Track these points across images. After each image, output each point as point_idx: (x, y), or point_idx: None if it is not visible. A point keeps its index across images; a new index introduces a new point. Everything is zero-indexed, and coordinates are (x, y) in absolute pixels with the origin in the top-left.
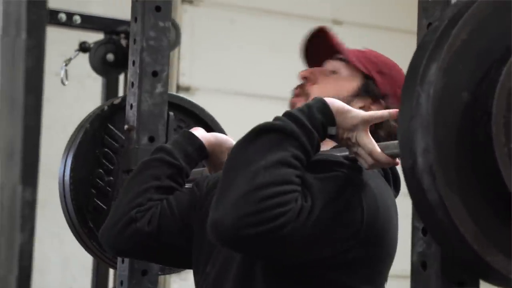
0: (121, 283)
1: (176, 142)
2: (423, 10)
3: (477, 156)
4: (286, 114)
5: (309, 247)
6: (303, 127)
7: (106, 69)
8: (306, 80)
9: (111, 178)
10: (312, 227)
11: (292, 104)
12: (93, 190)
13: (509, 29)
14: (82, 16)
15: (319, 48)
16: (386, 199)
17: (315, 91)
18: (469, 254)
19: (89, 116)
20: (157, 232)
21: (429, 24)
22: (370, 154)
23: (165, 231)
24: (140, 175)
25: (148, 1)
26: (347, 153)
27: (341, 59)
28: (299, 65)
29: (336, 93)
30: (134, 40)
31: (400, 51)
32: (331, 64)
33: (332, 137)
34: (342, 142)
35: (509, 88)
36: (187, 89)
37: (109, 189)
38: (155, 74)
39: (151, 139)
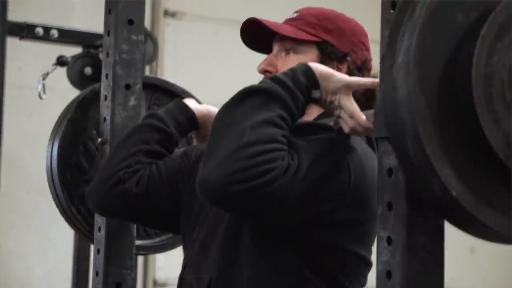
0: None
1: (168, 110)
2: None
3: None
4: (271, 78)
5: (296, 205)
6: (288, 89)
7: (84, 83)
8: (268, 72)
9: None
10: (299, 185)
11: None
12: (81, 147)
13: None
14: (60, 30)
15: (260, 36)
16: (372, 163)
17: None
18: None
19: (72, 102)
20: (145, 194)
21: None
22: (352, 116)
23: (153, 194)
24: (130, 139)
25: (121, 14)
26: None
27: (287, 38)
28: None
29: None
30: (107, 54)
31: None
32: (282, 45)
33: (315, 101)
34: (325, 105)
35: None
36: None
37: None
38: (128, 87)
39: None
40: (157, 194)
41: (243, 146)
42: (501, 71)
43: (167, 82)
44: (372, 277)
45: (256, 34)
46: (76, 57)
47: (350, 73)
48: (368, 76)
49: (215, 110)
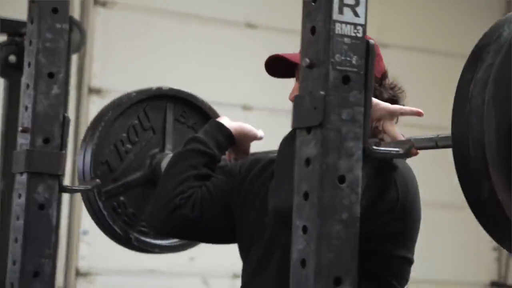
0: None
1: (207, 132)
2: (307, 14)
3: None
4: None
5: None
6: None
7: (8, 71)
8: None
9: (130, 146)
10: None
11: None
12: (112, 147)
13: None
14: None
15: (281, 67)
16: (412, 178)
17: None
18: None
19: (138, 90)
20: (201, 216)
21: (313, 27)
22: (394, 140)
23: (208, 215)
24: (179, 165)
25: (45, 2)
26: None
27: None
28: (212, 67)
29: None
30: (30, 42)
31: None
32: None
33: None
34: (371, 130)
35: None
36: (98, 92)
37: (125, 154)
38: (51, 75)
39: (46, 141)
40: (211, 214)
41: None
42: None
43: (196, 98)
44: None
45: (279, 66)
46: (0, 45)
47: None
48: (386, 84)
49: (246, 126)
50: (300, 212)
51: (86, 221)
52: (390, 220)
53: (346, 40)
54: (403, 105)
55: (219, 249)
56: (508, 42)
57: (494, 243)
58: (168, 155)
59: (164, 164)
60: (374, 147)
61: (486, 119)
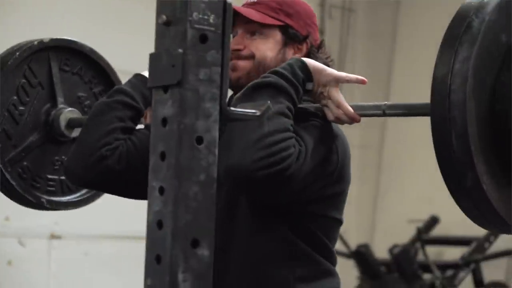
0: None
1: (134, 85)
2: None
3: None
4: (273, 72)
5: (302, 184)
6: (291, 83)
7: None
8: (237, 51)
9: (23, 108)
10: (306, 168)
11: (234, 66)
12: (5, 114)
13: None
14: None
15: None
16: (348, 145)
17: (257, 52)
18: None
19: (13, 50)
20: (126, 169)
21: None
22: (338, 106)
23: (133, 168)
24: (106, 116)
25: None
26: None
27: (249, 22)
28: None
29: (270, 50)
30: None
31: (139, 25)
32: (247, 28)
33: (308, 91)
34: (315, 95)
35: None
36: None
37: (20, 117)
38: None
39: None
40: (135, 167)
41: (263, 135)
42: None
43: (76, 42)
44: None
45: None
46: None
47: (309, 52)
48: (323, 54)
49: None
50: (157, 173)
51: None
52: (329, 182)
53: None
54: None
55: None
56: (481, 32)
57: None
58: (65, 110)
59: (63, 119)
60: (232, 109)
61: (468, 112)
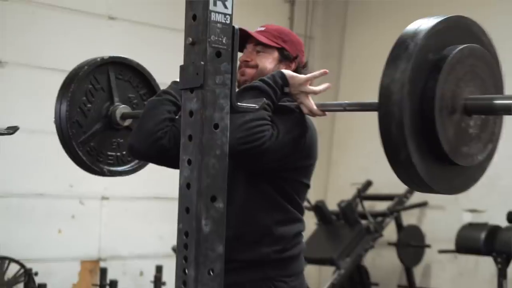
0: None
1: (174, 88)
2: (189, 3)
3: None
4: (260, 79)
5: (276, 156)
6: (270, 86)
7: None
8: (246, 61)
9: (90, 105)
10: (278, 145)
11: (244, 72)
12: (78, 109)
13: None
14: None
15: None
16: (314, 131)
17: (260, 63)
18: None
19: (83, 65)
20: (174, 147)
21: (194, 14)
22: (308, 107)
23: (178, 145)
24: (159, 108)
25: None
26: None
27: (258, 43)
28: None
29: (269, 63)
30: None
31: (167, 47)
32: (255, 47)
33: (286, 93)
34: (293, 95)
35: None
36: None
37: (88, 112)
38: None
39: None
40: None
41: (245, 122)
42: (450, 92)
43: (127, 59)
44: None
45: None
46: None
47: (297, 69)
48: (307, 71)
49: None
50: (186, 149)
51: None
52: (300, 157)
53: (219, 25)
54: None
55: (92, 178)
56: (414, 52)
57: None
58: (119, 106)
59: (118, 113)
60: (238, 104)
61: (404, 108)
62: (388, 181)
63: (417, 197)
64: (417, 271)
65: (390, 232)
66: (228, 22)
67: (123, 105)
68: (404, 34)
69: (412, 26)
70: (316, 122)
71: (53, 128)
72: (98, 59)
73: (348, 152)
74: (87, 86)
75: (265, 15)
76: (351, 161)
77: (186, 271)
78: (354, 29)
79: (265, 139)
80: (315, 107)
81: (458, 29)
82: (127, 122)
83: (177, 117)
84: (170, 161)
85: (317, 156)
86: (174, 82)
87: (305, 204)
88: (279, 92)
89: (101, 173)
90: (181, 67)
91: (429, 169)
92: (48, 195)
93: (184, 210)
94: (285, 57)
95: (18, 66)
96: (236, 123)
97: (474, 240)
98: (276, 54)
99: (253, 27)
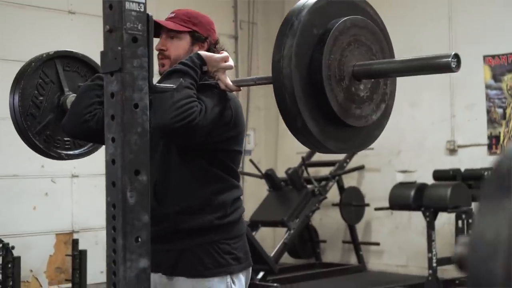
0: None
1: None
2: None
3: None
4: (180, 62)
5: (206, 130)
6: (190, 67)
7: None
8: (162, 50)
9: (42, 98)
10: (207, 120)
11: (163, 63)
12: (30, 103)
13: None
14: None
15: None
16: (238, 102)
17: (173, 52)
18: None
19: (30, 61)
20: (101, 128)
21: (110, 4)
22: (224, 83)
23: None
24: (88, 93)
25: None
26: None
27: (170, 30)
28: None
29: (183, 48)
30: None
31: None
32: (168, 34)
33: (206, 72)
34: (212, 74)
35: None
36: None
37: (40, 104)
38: None
39: None
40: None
41: (175, 101)
42: (336, 62)
43: (72, 52)
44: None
45: None
46: None
47: (209, 47)
48: (219, 48)
49: None
50: (109, 128)
51: None
52: (228, 128)
53: (133, 13)
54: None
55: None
56: (299, 28)
57: None
58: (70, 95)
59: (69, 101)
60: (156, 84)
61: (294, 80)
62: None
63: (356, 161)
64: (359, 227)
65: (333, 194)
66: (142, 10)
67: (73, 94)
68: (290, 11)
69: (297, 4)
70: (263, 98)
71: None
72: (44, 55)
73: None
74: (37, 80)
75: (211, 4)
76: None
77: (115, 240)
78: None
79: (195, 115)
80: (230, 83)
81: (342, 3)
82: None
83: None
84: (99, 140)
85: (244, 124)
86: None
87: (257, 173)
88: (199, 71)
89: (59, 158)
90: (101, 52)
91: (325, 133)
92: (22, 176)
93: (111, 184)
94: (197, 39)
95: None
96: (166, 104)
97: (405, 198)
98: (188, 37)
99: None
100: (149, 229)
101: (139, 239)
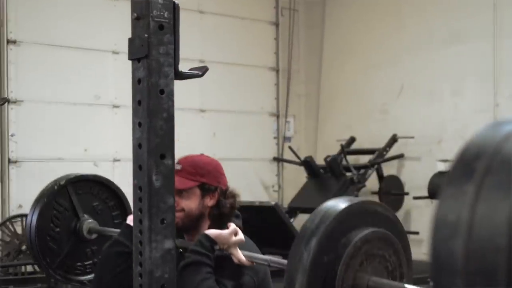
0: None
1: (125, 235)
2: None
3: None
4: (191, 251)
5: None
6: (203, 254)
7: None
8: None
9: (58, 229)
10: None
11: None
12: (48, 237)
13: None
14: None
15: None
16: (262, 269)
17: (185, 207)
18: None
19: (44, 192)
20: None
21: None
22: (237, 258)
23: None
24: (114, 261)
25: None
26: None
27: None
28: None
29: (194, 203)
30: None
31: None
32: (176, 192)
33: (217, 250)
34: (223, 251)
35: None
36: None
37: (57, 235)
38: None
39: None
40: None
41: None
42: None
43: (82, 175)
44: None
45: None
46: None
47: (219, 200)
48: (230, 198)
49: None
50: (136, 113)
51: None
52: None
53: (160, 1)
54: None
55: (106, 141)
56: (307, 265)
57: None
58: (86, 221)
59: (85, 228)
60: (182, 70)
61: None
62: (369, 137)
63: (396, 150)
64: (398, 216)
65: (372, 182)
66: None
67: (89, 220)
68: (302, 230)
69: (311, 217)
70: (303, 86)
71: (68, 99)
72: (56, 186)
73: (334, 112)
74: (52, 212)
75: None
76: (336, 120)
77: (142, 221)
78: (333, 0)
79: None
80: (243, 258)
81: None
82: (94, 236)
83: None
84: None
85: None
86: (126, 226)
87: (296, 160)
88: (211, 255)
89: (82, 284)
90: (129, 39)
91: None
92: (67, 159)
93: (138, 168)
94: (207, 190)
95: (31, 45)
96: None
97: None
98: (198, 191)
99: (239, 6)
100: (174, 212)
101: (165, 221)
